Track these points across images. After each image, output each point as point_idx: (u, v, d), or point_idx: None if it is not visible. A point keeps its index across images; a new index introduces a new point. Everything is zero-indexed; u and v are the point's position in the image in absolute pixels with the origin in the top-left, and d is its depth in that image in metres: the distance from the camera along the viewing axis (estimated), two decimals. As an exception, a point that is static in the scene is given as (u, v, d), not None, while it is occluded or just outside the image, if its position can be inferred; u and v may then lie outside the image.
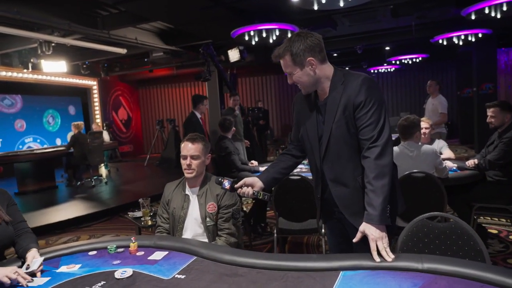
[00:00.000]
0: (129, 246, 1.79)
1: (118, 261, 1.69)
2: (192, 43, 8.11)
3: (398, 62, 10.30)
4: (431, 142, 3.95)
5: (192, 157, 2.12)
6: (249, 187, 1.79)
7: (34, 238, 1.87)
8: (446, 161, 3.41)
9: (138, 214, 2.84)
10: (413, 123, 3.03)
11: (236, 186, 1.79)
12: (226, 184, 1.79)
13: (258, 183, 1.81)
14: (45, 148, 9.37)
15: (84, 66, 10.58)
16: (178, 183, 2.25)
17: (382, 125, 1.60)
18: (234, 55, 8.14)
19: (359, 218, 1.63)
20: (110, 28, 6.82)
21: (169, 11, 5.52)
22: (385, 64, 11.39)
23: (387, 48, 9.57)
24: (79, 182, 7.79)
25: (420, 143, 3.88)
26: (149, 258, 1.70)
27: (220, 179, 1.81)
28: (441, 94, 5.54)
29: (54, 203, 6.36)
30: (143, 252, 1.77)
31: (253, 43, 5.99)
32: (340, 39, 8.21)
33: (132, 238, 1.80)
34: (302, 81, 1.68)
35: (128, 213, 2.99)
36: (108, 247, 1.81)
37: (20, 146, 10.62)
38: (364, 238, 1.55)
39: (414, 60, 9.83)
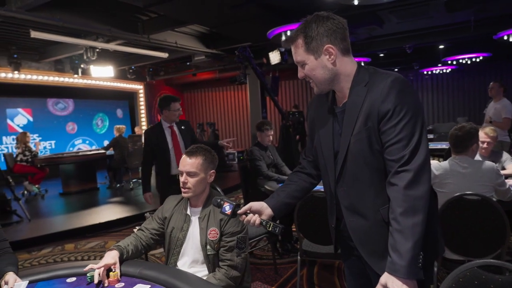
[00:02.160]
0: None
1: (92, 295, 1.46)
2: (233, 46, 7.97)
3: (455, 62, 9.37)
4: (492, 155, 3.35)
5: (188, 174, 1.82)
6: (256, 215, 1.45)
7: (14, 259, 1.69)
8: (509, 179, 2.84)
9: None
10: (469, 134, 2.46)
11: (239, 212, 1.47)
12: (227, 208, 1.48)
13: (266, 210, 1.48)
14: (89, 150, 9.71)
15: (131, 70, 10.89)
16: (180, 199, 1.96)
17: (416, 142, 1.19)
18: (274, 57, 7.86)
19: (380, 261, 1.26)
20: (150, 33, 6.86)
21: (199, 12, 5.36)
22: (439, 65, 10.45)
23: (441, 46, 8.71)
24: (118, 185, 7.93)
25: (479, 158, 3.31)
26: (126, 292, 1.45)
27: (219, 200, 1.50)
28: (505, 97, 4.81)
29: (92, 205, 6.46)
30: (123, 284, 1.52)
31: (291, 44, 5.66)
32: (387, 38, 7.56)
33: (112, 267, 1.57)
34: (316, 75, 1.32)
35: (136, 227, 2.79)
36: (88, 274, 1.58)
37: (71, 148, 11.16)
38: None
39: (473, 59, 8.88)
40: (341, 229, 1.46)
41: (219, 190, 3.02)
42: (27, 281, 1.53)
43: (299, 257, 2.75)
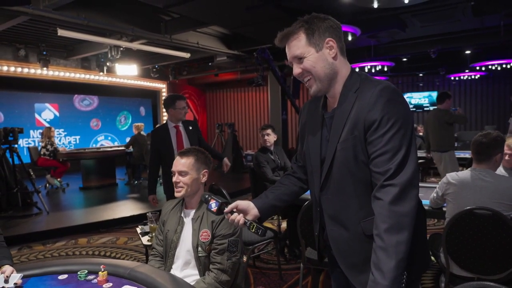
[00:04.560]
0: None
1: (79, 293, 1.47)
2: (254, 47, 7.97)
3: (483, 68, 9.00)
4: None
5: (180, 173, 1.86)
6: (241, 214, 1.41)
7: (8, 253, 1.74)
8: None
9: (148, 228, 2.64)
10: (495, 142, 2.27)
11: (225, 210, 1.42)
12: (213, 205, 1.44)
13: (253, 210, 1.43)
14: (110, 147, 9.95)
15: (154, 69, 11.10)
16: (177, 202, 1.98)
17: (404, 155, 1.14)
18: (295, 59, 7.81)
19: (358, 274, 1.25)
20: (172, 33, 6.95)
21: (216, 13, 5.39)
22: (467, 71, 10.06)
23: (468, 52, 8.38)
24: (136, 181, 8.08)
25: (502, 170, 3.13)
26: (112, 293, 1.46)
27: (207, 196, 1.46)
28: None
29: (109, 201, 6.61)
30: (111, 284, 1.53)
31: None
32: (410, 42, 7.35)
33: (101, 266, 1.57)
34: (316, 69, 1.25)
35: (139, 225, 2.82)
36: (78, 273, 1.60)
37: (94, 145, 11.47)
38: None
39: (504, 66, 8.50)
40: (325, 238, 1.42)
41: (224, 192, 3.01)
42: (21, 275, 1.56)
43: (301, 265, 2.70)
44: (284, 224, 4.39)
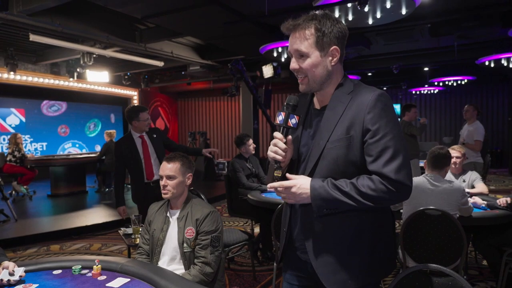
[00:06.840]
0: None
1: (75, 285, 1.59)
2: (227, 58, 8.19)
3: (441, 84, 9.72)
4: (463, 173, 3.57)
5: (168, 177, 2.02)
6: (282, 150, 1.29)
7: (2, 250, 1.82)
8: (475, 197, 3.03)
9: (130, 230, 2.77)
10: (448, 154, 2.70)
11: (287, 135, 1.31)
12: (293, 121, 1.30)
13: (290, 151, 1.35)
14: (80, 154, 9.78)
15: (126, 77, 11.02)
16: (162, 203, 2.15)
17: (403, 156, 1.21)
18: (268, 71, 8.09)
19: (329, 273, 1.27)
20: (147, 42, 7.04)
21: (194, 26, 5.57)
22: (426, 85, 10.81)
23: (426, 69, 9.06)
24: (107, 189, 8.00)
25: (451, 175, 3.52)
26: (107, 284, 1.59)
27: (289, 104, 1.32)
28: (478, 120, 5.06)
29: (79, 208, 6.54)
30: (105, 277, 1.66)
31: (283, 60, 5.89)
32: (375, 58, 7.88)
33: (95, 261, 1.71)
34: (315, 72, 1.28)
35: (121, 228, 2.93)
36: (73, 267, 1.72)
37: (61, 152, 11.18)
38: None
39: (459, 82, 9.23)
40: (294, 239, 1.40)
41: (203, 197, 3.16)
42: (24, 268, 1.67)
43: (275, 264, 2.90)
44: (257, 229, 4.58)
